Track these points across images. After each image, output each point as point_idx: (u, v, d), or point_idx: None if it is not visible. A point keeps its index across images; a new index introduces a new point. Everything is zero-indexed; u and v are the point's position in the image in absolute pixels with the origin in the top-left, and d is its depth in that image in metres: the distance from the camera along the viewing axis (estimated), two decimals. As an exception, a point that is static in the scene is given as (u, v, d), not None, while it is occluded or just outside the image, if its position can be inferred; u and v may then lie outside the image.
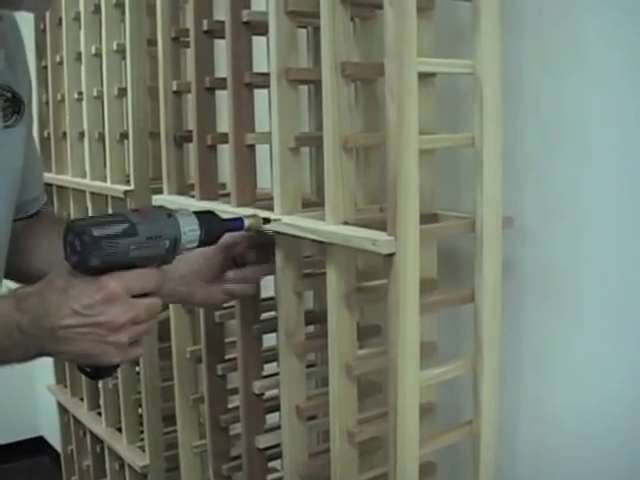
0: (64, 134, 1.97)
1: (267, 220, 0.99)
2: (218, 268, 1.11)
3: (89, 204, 1.84)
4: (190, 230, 0.86)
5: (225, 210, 1.25)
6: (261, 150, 1.28)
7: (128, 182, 1.70)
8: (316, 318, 1.34)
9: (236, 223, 0.95)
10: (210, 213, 0.93)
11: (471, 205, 1.03)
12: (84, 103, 1.82)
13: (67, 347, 0.82)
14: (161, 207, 0.88)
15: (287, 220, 1.12)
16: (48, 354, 0.85)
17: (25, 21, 1.99)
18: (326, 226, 1.05)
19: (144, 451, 1.80)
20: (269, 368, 1.36)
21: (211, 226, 0.89)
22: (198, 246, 0.90)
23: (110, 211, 1.74)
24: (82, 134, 1.86)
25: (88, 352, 0.82)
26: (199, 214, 0.89)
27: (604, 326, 1.08)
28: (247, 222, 0.95)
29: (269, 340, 1.35)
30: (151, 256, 0.83)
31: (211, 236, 0.90)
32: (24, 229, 1.11)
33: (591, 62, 1.05)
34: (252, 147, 1.26)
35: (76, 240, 0.78)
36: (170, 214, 0.85)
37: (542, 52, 1.11)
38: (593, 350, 1.09)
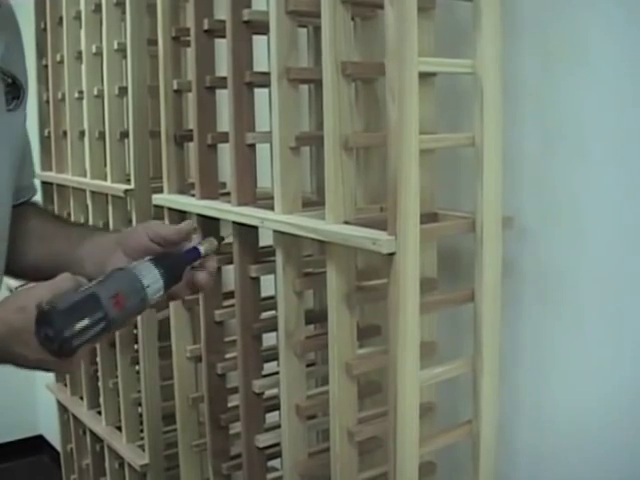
0: (64, 133, 1.97)
1: (222, 239, 0.97)
2: None
3: (89, 203, 1.84)
4: (157, 297, 0.87)
5: (225, 209, 1.26)
6: (261, 149, 1.28)
7: (128, 181, 1.70)
8: (316, 317, 1.34)
9: (193, 254, 0.94)
10: (169, 255, 0.92)
11: (471, 205, 1.04)
12: (85, 102, 1.82)
13: (14, 366, 0.85)
14: (139, 284, 0.85)
15: (287, 219, 1.12)
16: None
17: (26, 20, 1.99)
18: (326, 225, 1.06)
19: (144, 450, 1.80)
20: (269, 367, 1.36)
21: (172, 275, 0.89)
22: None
23: (110, 211, 1.74)
24: (82, 133, 1.86)
25: (33, 370, 0.87)
26: (160, 263, 0.88)
27: (603, 326, 1.08)
28: (202, 249, 0.94)
29: (269, 339, 1.36)
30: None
31: (172, 285, 0.90)
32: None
33: (591, 62, 1.05)
34: (252, 146, 1.26)
35: (55, 342, 0.78)
36: (144, 298, 0.85)
37: (542, 52, 1.11)
38: (592, 350, 1.09)
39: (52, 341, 0.78)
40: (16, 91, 1.01)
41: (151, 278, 0.86)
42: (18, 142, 1.03)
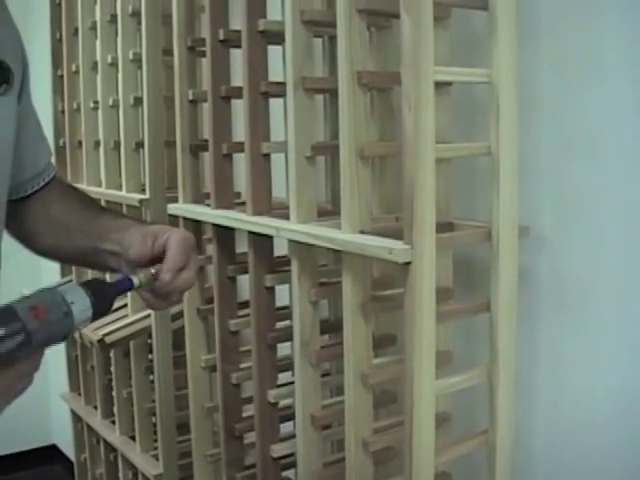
0: (80, 143, 1.98)
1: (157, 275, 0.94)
2: None
3: (104, 213, 1.85)
4: (83, 320, 0.85)
5: (240, 219, 1.26)
6: (276, 159, 1.29)
7: (143, 191, 1.70)
8: (331, 327, 1.34)
9: (124, 284, 0.92)
10: (99, 282, 0.90)
11: (487, 214, 1.03)
12: (100, 112, 1.83)
13: None
14: (60, 298, 0.84)
15: (303, 229, 1.12)
16: None
17: (41, 30, 2.01)
18: (342, 234, 1.06)
19: (158, 460, 1.80)
20: (284, 377, 1.36)
21: (102, 300, 0.87)
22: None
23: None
24: (98, 143, 1.88)
25: None
26: (90, 287, 0.86)
27: (620, 335, 1.07)
28: (136, 280, 0.92)
29: (284, 349, 1.35)
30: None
31: (102, 311, 0.89)
32: (34, 205, 1.11)
33: (607, 71, 1.04)
34: (267, 156, 1.26)
35: None
36: (67, 312, 0.83)
37: (558, 61, 1.11)
38: (609, 359, 1.09)
39: None
40: (4, 75, 1.00)
41: (75, 296, 0.83)
42: (9, 130, 1.01)
